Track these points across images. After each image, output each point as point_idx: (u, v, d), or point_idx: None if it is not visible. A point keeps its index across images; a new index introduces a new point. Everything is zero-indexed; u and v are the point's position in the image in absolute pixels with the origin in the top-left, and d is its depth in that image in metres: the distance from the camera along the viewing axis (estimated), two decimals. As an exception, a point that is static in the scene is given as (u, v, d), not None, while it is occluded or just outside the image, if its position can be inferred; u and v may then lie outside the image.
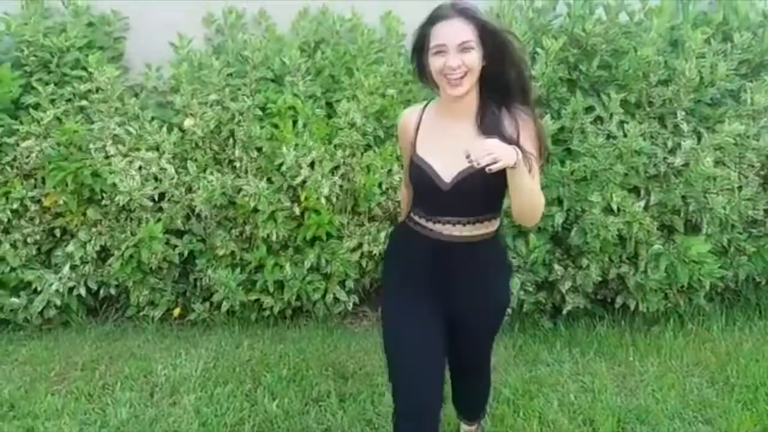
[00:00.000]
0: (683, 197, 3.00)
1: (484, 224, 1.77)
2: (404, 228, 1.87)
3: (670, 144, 3.02)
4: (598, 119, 3.03)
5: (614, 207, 2.91)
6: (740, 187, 3.03)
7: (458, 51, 1.60)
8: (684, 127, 3.00)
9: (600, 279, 3.02)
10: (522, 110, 1.71)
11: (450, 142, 1.71)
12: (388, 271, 1.93)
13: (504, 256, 1.95)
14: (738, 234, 3.09)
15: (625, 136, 2.92)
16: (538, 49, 3.00)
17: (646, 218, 2.93)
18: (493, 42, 1.64)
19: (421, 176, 1.73)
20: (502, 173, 1.56)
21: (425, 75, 1.72)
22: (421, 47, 1.69)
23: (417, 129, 1.78)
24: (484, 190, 1.69)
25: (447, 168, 1.69)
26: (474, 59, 1.62)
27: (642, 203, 2.96)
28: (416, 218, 1.80)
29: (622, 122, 2.97)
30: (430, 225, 1.77)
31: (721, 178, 2.97)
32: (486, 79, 1.68)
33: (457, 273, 1.78)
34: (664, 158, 3.01)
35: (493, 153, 1.48)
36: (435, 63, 1.64)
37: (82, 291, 3.12)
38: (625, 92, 3.00)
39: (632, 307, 3.07)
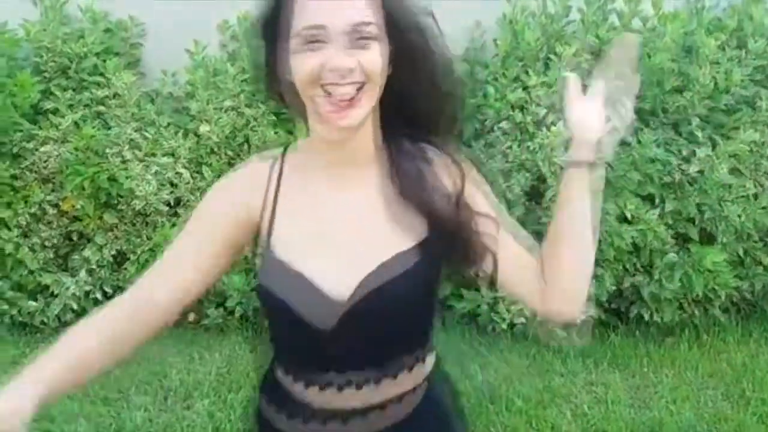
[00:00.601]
0: (698, 206, 2.97)
1: (413, 372, 0.96)
2: (271, 384, 1.02)
3: (684, 152, 2.99)
4: (612, 126, 3.01)
5: (628, 215, 2.90)
6: (756, 196, 3.00)
7: (350, 42, 0.84)
8: (698, 134, 2.97)
9: (614, 288, 3.00)
10: (450, 149, 0.99)
11: (339, 219, 0.93)
12: None
13: (454, 415, 1.07)
14: (754, 243, 3.06)
15: (639, 143, 2.91)
16: (551, 56, 3.00)
17: (661, 227, 2.91)
18: (407, 30, 0.88)
19: (287, 294, 0.91)
20: (430, 257, 0.92)
21: (279, 87, 0.92)
22: (273, 35, 0.88)
23: (273, 199, 0.95)
24: (410, 302, 0.93)
25: (339, 274, 0.90)
26: (377, 59, 0.86)
27: (656, 212, 2.93)
28: (281, 376, 0.99)
29: (636, 129, 2.96)
30: (308, 395, 0.95)
31: (736, 186, 2.95)
32: (391, 96, 0.91)
33: None
34: (679, 165, 2.98)
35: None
36: (303, 64, 0.85)
37: (98, 295, 3.15)
38: (639, 99, 2.98)
39: (647, 318, 3.05)
